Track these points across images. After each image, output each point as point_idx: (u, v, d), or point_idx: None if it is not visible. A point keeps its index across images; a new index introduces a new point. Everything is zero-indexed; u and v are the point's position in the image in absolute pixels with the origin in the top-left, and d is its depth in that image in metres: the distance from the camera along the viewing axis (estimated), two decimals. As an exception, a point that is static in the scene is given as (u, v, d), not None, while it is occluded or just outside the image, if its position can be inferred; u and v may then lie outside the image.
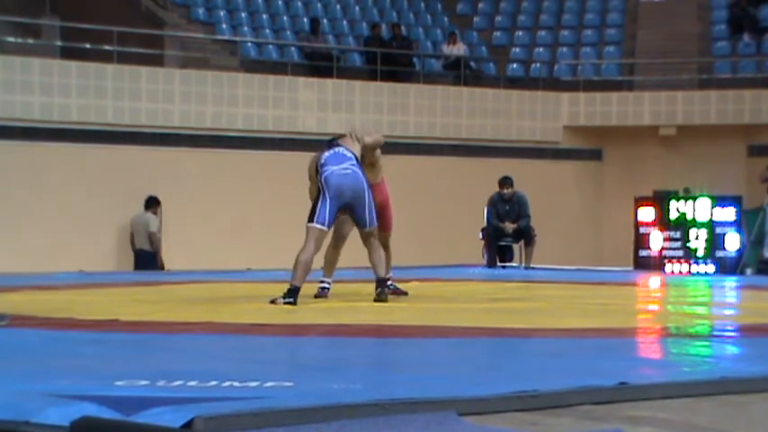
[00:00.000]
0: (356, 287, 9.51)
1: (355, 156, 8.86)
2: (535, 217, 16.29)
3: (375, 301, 8.68)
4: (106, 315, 7.25)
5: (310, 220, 8.67)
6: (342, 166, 8.72)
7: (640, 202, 15.80)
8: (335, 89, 19.75)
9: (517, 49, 23.16)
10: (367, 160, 9.16)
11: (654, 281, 13.47)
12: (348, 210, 8.85)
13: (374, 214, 8.85)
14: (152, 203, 16.71)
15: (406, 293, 9.27)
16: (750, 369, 4.71)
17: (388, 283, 9.24)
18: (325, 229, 8.68)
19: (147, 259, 16.53)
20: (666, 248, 15.29)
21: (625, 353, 5.53)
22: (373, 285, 8.88)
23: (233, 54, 20.57)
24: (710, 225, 15.04)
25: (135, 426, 3.17)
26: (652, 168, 20.90)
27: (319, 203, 8.66)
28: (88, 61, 18.21)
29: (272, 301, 8.43)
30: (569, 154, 21.48)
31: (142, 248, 16.59)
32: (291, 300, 8.37)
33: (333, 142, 9.03)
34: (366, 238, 8.95)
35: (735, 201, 15.24)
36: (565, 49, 23.11)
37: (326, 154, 8.85)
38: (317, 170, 8.83)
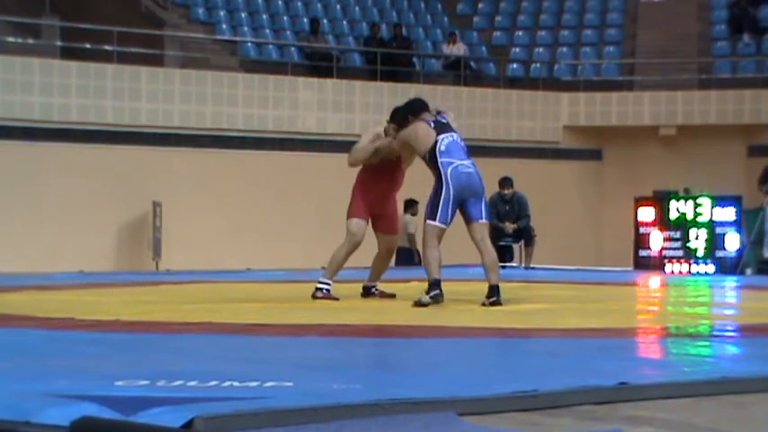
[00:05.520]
0: (356, 287, 9.51)
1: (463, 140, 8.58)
2: (535, 217, 16.29)
3: (489, 305, 8.36)
4: (106, 315, 7.25)
5: (432, 217, 8.37)
6: (465, 163, 8.41)
7: (640, 202, 15.80)
8: (335, 89, 19.75)
9: (517, 49, 23.17)
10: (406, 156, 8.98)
11: (654, 281, 13.47)
12: (460, 207, 8.49)
13: (488, 210, 8.62)
14: (411, 205, 16.74)
15: (393, 296, 9.25)
16: (750, 369, 4.71)
17: (373, 289, 9.25)
18: (446, 228, 8.40)
19: (406, 256, 16.70)
20: (666, 248, 15.29)
21: (625, 353, 5.52)
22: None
23: (233, 54, 20.58)
24: (710, 225, 15.04)
25: (135, 426, 3.17)
26: (652, 168, 20.90)
27: (441, 202, 8.31)
28: (88, 61, 18.23)
29: (417, 303, 8.26)
30: (569, 154, 21.48)
31: (401, 246, 16.68)
32: (437, 291, 8.24)
33: (444, 122, 8.59)
34: (478, 235, 8.49)
35: (735, 201, 15.24)
36: (565, 49, 23.12)
37: (446, 139, 8.43)
38: (432, 151, 8.35)
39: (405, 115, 8.80)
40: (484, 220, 8.51)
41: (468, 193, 8.41)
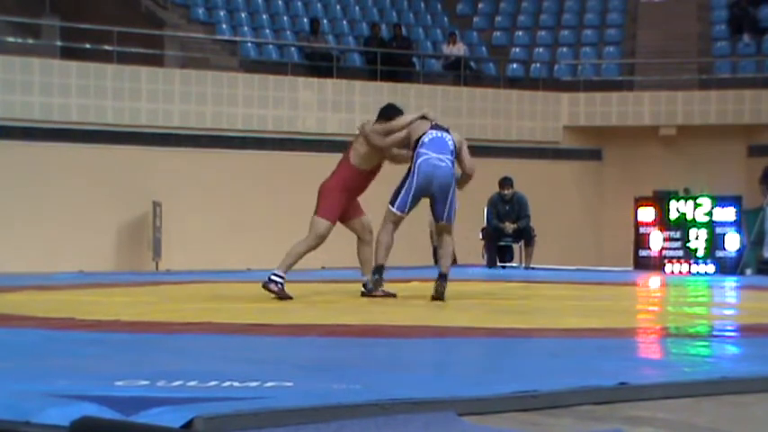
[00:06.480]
0: (357, 287, 9.50)
1: (455, 146, 8.95)
2: (535, 217, 16.29)
3: (433, 298, 8.79)
4: (106, 315, 7.25)
5: (392, 203, 8.85)
6: (440, 156, 8.80)
7: (640, 202, 15.80)
8: (335, 89, 19.75)
9: (517, 49, 23.17)
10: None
11: (654, 281, 13.47)
12: (430, 200, 8.94)
13: (453, 211, 8.93)
14: None
15: (394, 295, 9.24)
16: (750, 369, 4.71)
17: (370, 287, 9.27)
18: (403, 216, 8.84)
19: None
20: (666, 248, 15.29)
21: (625, 353, 5.52)
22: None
23: (233, 54, 20.58)
24: (710, 225, 15.04)
25: (135, 426, 3.17)
26: (652, 168, 20.90)
27: (404, 189, 8.78)
28: (88, 61, 18.22)
29: (364, 285, 8.90)
30: (569, 154, 21.48)
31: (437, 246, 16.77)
32: (377, 276, 8.70)
33: (437, 125, 9.08)
34: (439, 233, 9.12)
35: (735, 201, 15.24)
36: (565, 49, 23.12)
37: (429, 135, 8.89)
38: (415, 143, 8.85)
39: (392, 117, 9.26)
40: (444, 222, 8.96)
41: (434, 185, 8.78)
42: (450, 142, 8.93)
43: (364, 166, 9.14)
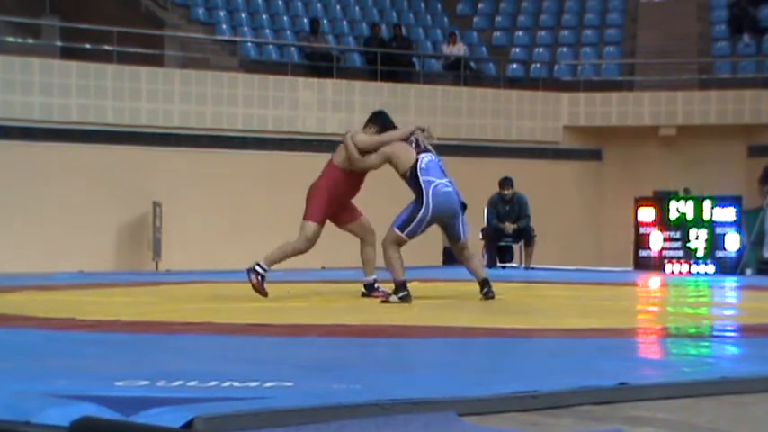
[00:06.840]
0: (357, 287, 9.51)
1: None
2: (535, 217, 16.29)
3: (484, 297, 8.90)
4: (106, 315, 7.25)
5: (401, 229, 8.76)
6: (443, 181, 8.84)
7: (640, 202, 15.80)
8: (335, 89, 19.75)
9: (517, 50, 23.17)
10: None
11: (654, 281, 13.47)
12: (441, 225, 9.03)
13: (466, 227, 8.98)
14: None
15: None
16: (750, 369, 4.71)
17: (376, 285, 9.24)
18: (408, 241, 8.81)
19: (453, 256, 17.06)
20: (666, 248, 15.29)
21: (625, 353, 5.52)
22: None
23: (233, 54, 20.58)
24: (710, 225, 15.04)
25: (135, 426, 3.17)
26: (652, 168, 20.90)
27: (416, 220, 8.73)
28: (88, 61, 18.22)
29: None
30: (569, 154, 21.48)
31: (449, 246, 16.87)
32: (405, 293, 8.60)
33: (421, 144, 9.03)
34: (460, 251, 9.11)
35: (735, 201, 15.23)
36: (565, 49, 23.12)
37: (424, 158, 8.86)
38: (413, 169, 8.79)
39: (384, 125, 9.18)
40: (464, 239, 9.02)
41: (446, 214, 8.85)
42: (440, 163, 8.99)
43: (348, 167, 9.12)
